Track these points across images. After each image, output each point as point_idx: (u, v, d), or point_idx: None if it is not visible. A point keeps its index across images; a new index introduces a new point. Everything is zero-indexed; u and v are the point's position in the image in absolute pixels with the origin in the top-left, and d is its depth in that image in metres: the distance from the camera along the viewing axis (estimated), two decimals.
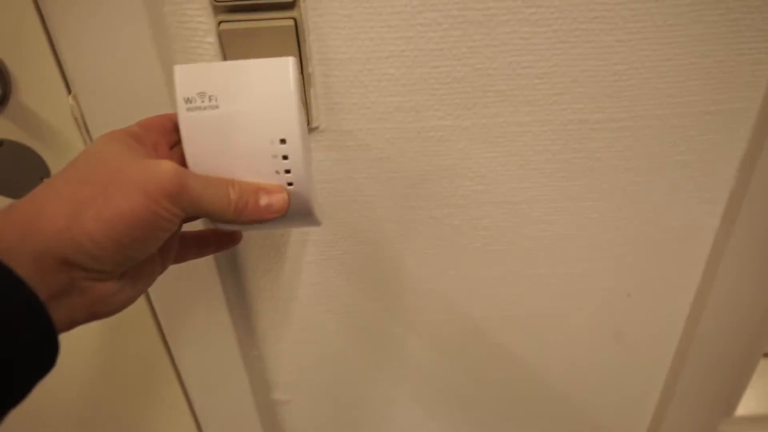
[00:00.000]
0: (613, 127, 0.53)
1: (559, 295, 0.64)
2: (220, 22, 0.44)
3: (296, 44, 0.44)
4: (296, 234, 0.58)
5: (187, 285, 0.57)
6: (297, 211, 0.40)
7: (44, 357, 0.28)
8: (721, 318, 0.65)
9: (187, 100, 0.37)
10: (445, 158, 0.54)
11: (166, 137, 0.38)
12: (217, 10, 0.44)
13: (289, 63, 0.36)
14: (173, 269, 0.56)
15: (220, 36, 0.44)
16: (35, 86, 0.48)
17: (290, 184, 0.38)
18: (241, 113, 0.37)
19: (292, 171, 0.38)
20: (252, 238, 0.58)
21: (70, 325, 0.31)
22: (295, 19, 0.44)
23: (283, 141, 0.37)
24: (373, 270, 0.61)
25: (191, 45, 0.46)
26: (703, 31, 0.48)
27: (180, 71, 0.37)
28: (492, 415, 0.75)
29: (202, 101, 0.37)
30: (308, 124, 0.50)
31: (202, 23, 0.45)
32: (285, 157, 0.37)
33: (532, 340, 0.67)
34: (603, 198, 0.57)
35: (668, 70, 0.50)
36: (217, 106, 0.37)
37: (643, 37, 0.48)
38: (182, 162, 0.38)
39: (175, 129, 0.39)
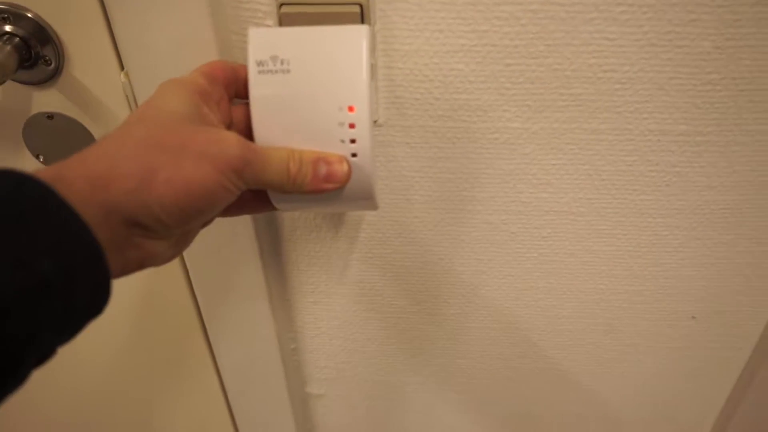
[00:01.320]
0: (698, 140, 0.48)
1: (618, 314, 0.60)
2: (281, 5, 0.41)
3: None
4: (345, 230, 0.55)
5: (230, 274, 0.55)
6: (358, 188, 0.39)
7: (97, 301, 0.30)
8: None
9: (260, 63, 0.37)
10: (509, 162, 0.50)
11: (229, 90, 0.39)
12: None
13: (363, 30, 0.36)
14: (217, 258, 0.54)
15: (281, 19, 0.41)
16: (88, 61, 0.46)
17: (354, 155, 0.38)
18: (311, 78, 0.36)
19: (357, 141, 0.37)
20: (298, 231, 0.55)
21: (121, 274, 0.32)
22: (361, 5, 0.40)
23: (350, 109, 0.36)
24: (421, 272, 0.58)
25: (249, 27, 0.43)
26: None
27: (254, 34, 0.37)
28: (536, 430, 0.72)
29: (274, 64, 0.36)
30: None
31: (262, 4, 0.42)
32: (351, 126, 0.37)
33: (586, 359, 0.63)
34: (677, 215, 0.53)
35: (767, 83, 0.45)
36: (288, 70, 0.36)
37: (746, 44, 0.43)
38: (246, 120, 0.38)
39: (238, 80, 0.39)
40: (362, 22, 0.41)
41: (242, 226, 0.52)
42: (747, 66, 0.44)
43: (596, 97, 0.46)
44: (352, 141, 0.37)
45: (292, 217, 0.54)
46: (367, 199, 0.41)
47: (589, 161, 0.50)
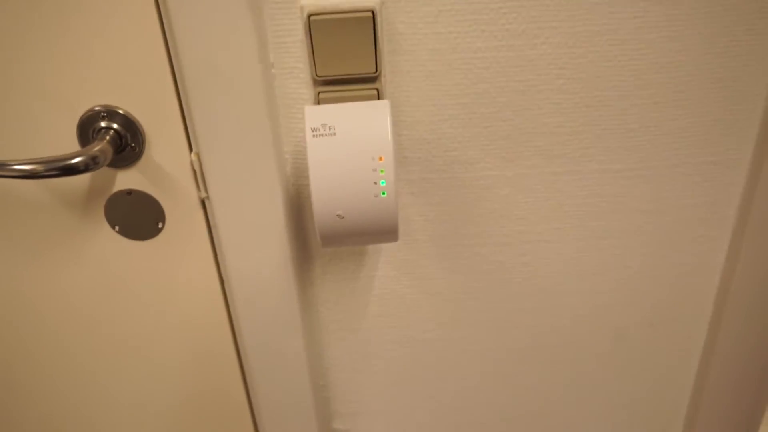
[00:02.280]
0: (630, 175, 0.64)
1: (590, 325, 0.73)
2: (319, 93, 0.56)
3: None
4: (365, 270, 0.68)
5: (269, 313, 0.67)
6: (385, 221, 0.52)
7: None
8: (736, 345, 0.74)
9: (313, 129, 0.50)
10: (492, 203, 0.64)
11: None
12: (317, 83, 0.56)
13: (387, 104, 0.51)
14: (259, 299, 0.65)
15: (318, 101, 0.56)
16: (165, 145, 0.59)
17: (383, 193, 0.51)
18: (351, 137, 0.50)
19: (386, 182, 0.50)
20: (328, 274, 0.68)
21: None
22: (377, 90, 0.56)
23: (380, 158, 0.50)
24: (429, 302, 0.70)
25: (293, 111, 0.58)
26: (702, 97, 0.60)
27: (309, 109, 0.51)
28: None
29: (324, 130, 0.50)
30: None
31: (303, 94, 0.57)
32: (381, 171, 0.50)
33: (564, 368, 0.75)
34: (624, 237, 0.68)
35: (674, 128, 0.61)
36: (334, 134, 0.50)
37: (654, 102, 0.60)
38: None
39: None
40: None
41: (280, 270, 0.64)
42: (656, 117, 0.61)
43: (552, 147, 0.62)
44: (382, 183, 0.51)
45: (323, 262, 0.67)
46: (390, 233, 0.54)
47: (553, 197, 0.65)
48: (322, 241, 0.55)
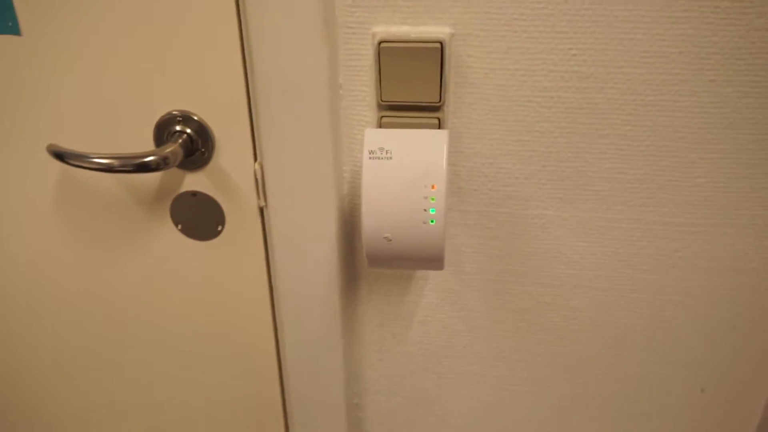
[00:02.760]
0: (693, 231, 0.62)
1: (634, 383, 0.70)
2: (382, 117, 0.58)
3: None
4: (410, 295, 0.69)
5: (313, 327, 0.68)
6: (431, 248, 0.53)
7: None
8: None
9: (371, 152, 0.52)
10: (544, 242, 0.64)
11: None
12: (381, 107, 0.58)
13: (445, 133, 0.52)
14: (305, 311, 0.67)
15: (380, 125, 0.57)
16: (233, 152, 0.63)
17: (432, 221, 0.51)
18: (407, 162, 0.52)
19: (436, 210, 0.51)
20: (374, 294, 0.69)
21: None
22: (439, 119, 0.57)
23: (433, 186, 0.51)
24: (471, 335, 0.70)
25: (354, 132, 0.60)
26: None
27: (369, 132, 0.53)
28: None
29: (381, 153, 0.52)
30: None
31: (366, 116, 0.59)
32: (433, 199, 0.51)
33: (607, 424, 0.73)
34: (682, 294, 0.65)
35: (744, 186, 0.59)
36: (391, 158, 0.52)
37: (722, 157, 0.58)
38: None
39: None
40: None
41: (327, 285, 0.65)
42: (726, 173, 0.59)
43: (612, 193, 0.61)
44: (432, 210, 0.52)
45: (369, 282, 0.68)
46: (436, 261, 0.55)
47: (608, 244, 0.63)
48: (369, 261, 0.57)
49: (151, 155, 0.58)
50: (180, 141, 0.61)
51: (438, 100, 0.56)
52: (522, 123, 0.58)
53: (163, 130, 0.62)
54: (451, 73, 0.56)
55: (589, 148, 0.59)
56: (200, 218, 0.66)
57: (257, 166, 0.62)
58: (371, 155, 0.52)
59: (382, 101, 0.57)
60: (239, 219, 0.66)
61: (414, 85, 0.55)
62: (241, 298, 0.70)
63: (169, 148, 0.59)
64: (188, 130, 0.62)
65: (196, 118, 0.61)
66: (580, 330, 0.68)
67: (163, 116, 0.62)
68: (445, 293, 0.68)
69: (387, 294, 0.69)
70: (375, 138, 0.53)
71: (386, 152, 0.52)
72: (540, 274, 0.66)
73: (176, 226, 0.67)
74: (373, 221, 0.53)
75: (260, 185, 0.63)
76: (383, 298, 0.69)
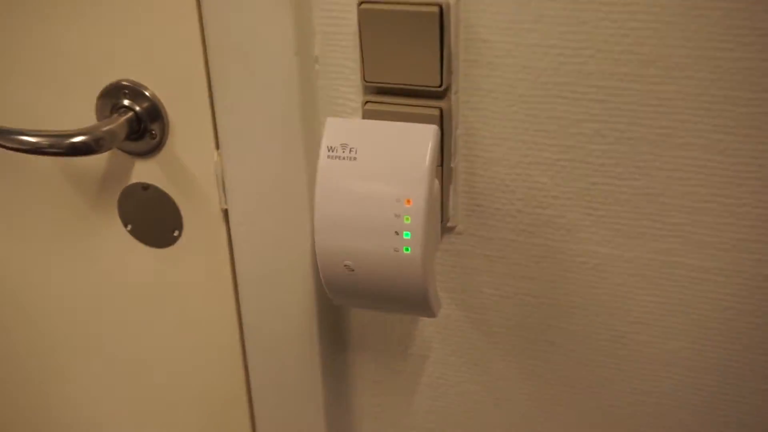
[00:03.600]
0: None
1: None
2: (366, 102, 0.55)
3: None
4: (415, 345, 0.65)
5: (286, 377, 0.67)
6: (409, 287, 0.50)
7: None
8: None
9: (330, 149, 0.50)
10: (599, 291, 0.58)
11: None
12: (366, 90, 0.55)
13: (431, 130, 0.49)
14: (277, 356, 0.66)
15: (364, 115, 0.55)
16: (189, 139, 0.62)
17: (406, 248, 0.49)
18: (374, 167, 0.49)
19: (411, 234, 0.48)
20: (368, 338, 0.66)
21: None
22: (441, 110, 0.53)
23: (408, 201, 0.48)
24: (497, 410, 0.65)
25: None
26: None
27: (330, 122, 0.50)
28: None
29: (343, 151, 0.50)
30: (443, 221, 0.58)
31: (351, 101, 0.57)
32: (406, 219, 0.48)
33: None
34: None
35: None
36: (355, 158, 0.49)
37: None
38: None
39: None
40: (441, 125, 0.53)
41: (302, 322, 0.63)
42: None
43: (699, 230, 0.54)
44: (405, 234, 0.48)
45: (362, 322, 0.66)
46: (420, 303, 0.52)
47: (691, 306, 0.56)
48: (330, 294, 0.54)
49: (82, 134, 0.59)
50: (123, 119, 0.61)
51: (438, 84, 0.52)
52: (561, 121, 0.53)
53: (107, 104, 0.63)
54: (460, 47, 0.53)
55: (660, 162, 0.52)
56: (153, 219, 0.67)
57: (217, 157, 0.61)
58: (330, 153, 0.50)
59: (367, 81, 0.54)
60: (199, 223, 0.66)
61: (407, 63, 0.52)
62: (203, 324, 0.71)
63: (105, 127, 0.60)
64: (137, 107, 0.62)
65: (147, 93, 0.62)
66: (644, 419, 0.61)
67: (108, 86, 0.63)
68: (461, 349, 0.64)
69: (385, 340, 0.66)
70: (337, 130, 0.50)
71: (350, 150, 0.50)
72: (590, 334, 0.60)
73: (125, 226, 0.68)
74: (328, 242, 0.51)
75: (220, 181, 0.62)
76: (380, 344, 0.67)
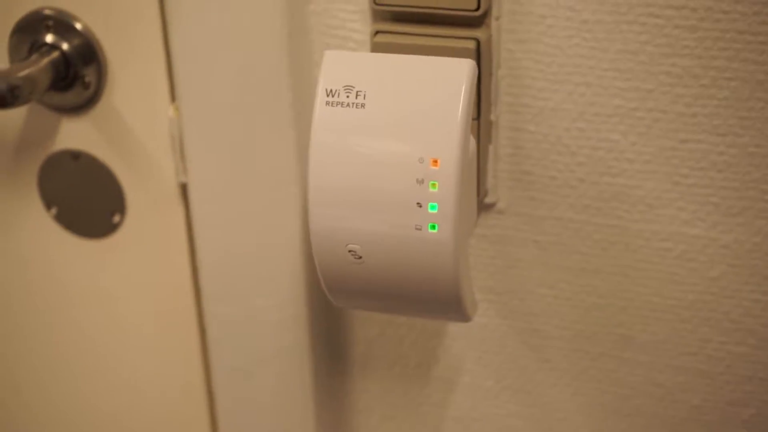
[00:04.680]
0: None
1: None
2: (376, 32, 0.55)
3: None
4: (440, 366, 0.66)
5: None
6: (436, 279, 0.50)
7: None
8: None
9: (330, 92, 0.49)
10: (688, 288, 0.58)
11: None
12: (377, 16, 0.56)
13: (466, 65, 0.48)
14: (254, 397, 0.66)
15: (373, 50, 0.55)
16: (134, 88, 0.63)
17: (433, 227, 0.48)
18: (390, 116, 0.48)
19: (440, 206, 0.48)
20: (375, 359, 0.66)
21: None
22: (478, 41, 0.53)
23: (434, 162, 0.47)
24: None
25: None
26: None
27: (330, 57, 0.50)
28: None
29: (348, 96, 0.49)
30: (481, 196, 0.58)
31: (355, 31, 0.57)
32: (434, 185, 0.47)
33: None
34: None
35: None
36: (363, 105, 0.49)
37: None
38: None
39: None
40: (478, 63, 0.54)
41: (288, 337, 0.64)
42: None
43: None
44: (431, 207, 0.48)
45: (368, 335, 0.67)
46: (449, 302, 0.52)
47: None
48: (329, 292, 0.54)
49: None
50: (46, 61, 0.62)
51: (475, 7, 0.53)
52: (639, 57, 0.54)
53: (24, 41, 0.64)
54: None
55: None
56: (86, 199, 0.67)
57: (173, 112, 0.62)
58: (330, 99, 0.50)
59: (377, 4, 0.54)
60: (148, 204, 0.67)
61: None
62: (152, 337, 0.71)
63: (22, 71, 0.60)
64: (64, 46, 0.63)
65: (78, 25, 0.62)
66: None
67: (25, 17, 0.63)
68: (502, 368, 0.65)
69: (397, 359, 0.67)
70: (338, 68, 0.50)
71: (356, 95, 0.49)
72: (682, 350, 0.61)
73: (47, 209, 0.69)
74: (326, 220, 0.51)
75: (177, 144, 0.62)
76: (391, 366, 0.67)
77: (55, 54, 0.63)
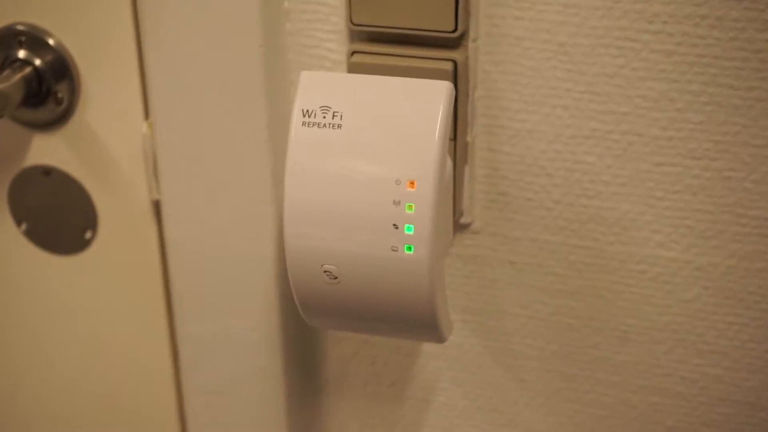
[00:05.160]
0: None
1: None
2: (353, 52, 0.55)
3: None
4: (414, 385, 0.66)
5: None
6: (412, 300, 0.50)
7: None
8: None
9: (306, 113, 0.49)
10: (664, 311, 0.59)
11: None
12: (354, 36, 0.56)
13: (444, 88, 0.48)
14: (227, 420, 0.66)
15: (349, 70, 0.55)
16: (107, 104, 0.63)
17: (409, 248, 0.48)
18: (367, 138, 0.49)
19: (416, 228, 0.48)
20: (350, 377, 0.66)
21: None
22: (455, 63, 0.54)
23: (411, 184, 0.48)
24: None
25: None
26: None
27: (306, 77, 0.50)
28: None
29: (324, 116, 0.49)
30: (456, 216, 0.58)
31: (332, 51, 0.57)
32: (410, 207, 0.48)
33: None
34: None
35: None
36: (340, 125, 0.49)
37: None
38: None
39: None
40: (455, 84, 0.54)
41: (261, 356, 0.64)
42: None
43: None
44: (407, 228, 0.48)
45: (343, 354, 0.66)
46: (425, 323, 0.52)
47: None
48: (304, 313, 0.54)
49: None
50: (18, 77, 0.62)
51: (452, 28, 0.53)
52: (615, 80, 0.54)
53: None
54: None
55: (746, 135, 0.54)
56: (57, 215, 0.67)
57: (146, 128, 0.62)
58: (306, 119, 0.50)
59: (354, 24, 0.55)
60: (120, 220, 0.67)
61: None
62: (123, 359, 0.71)
63: None
64: (37, 61, 0.63)
65: (51, 41, 0.62)
66: None
67: None
68: (478, 389, 0.65)
69: (373, 379, 0.67)
70: (315, 88, 0.50)
71: (333, 115, 0.49)
72: (657, 372, 0.61)
73: (18, 225, 0.68)
74: (301, 240, 0.51)
75: (150, 160, 0.62)
76: (366, 385, 0.67)
77: (28, 70, 0.62)
